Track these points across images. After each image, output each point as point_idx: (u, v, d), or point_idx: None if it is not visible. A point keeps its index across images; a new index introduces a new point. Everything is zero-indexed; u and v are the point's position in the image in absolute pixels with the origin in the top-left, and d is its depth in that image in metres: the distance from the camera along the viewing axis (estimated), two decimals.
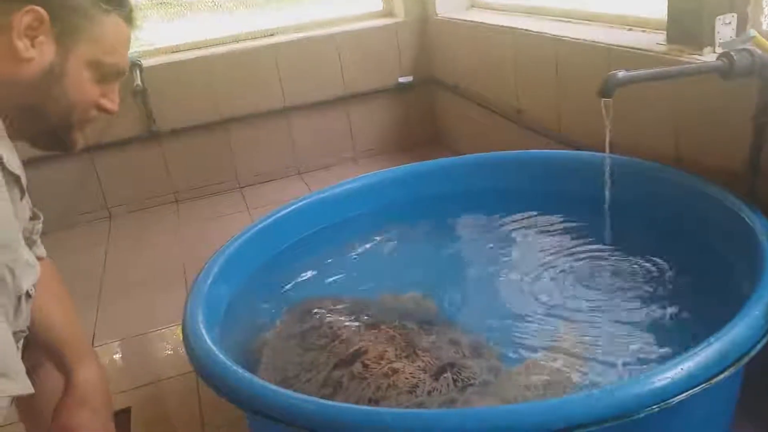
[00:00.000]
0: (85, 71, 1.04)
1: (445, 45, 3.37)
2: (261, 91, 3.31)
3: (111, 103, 1.11)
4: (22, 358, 0.94)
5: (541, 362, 1.41)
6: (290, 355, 1.40)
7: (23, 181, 1.00)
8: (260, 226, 1.79)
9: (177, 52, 3.33)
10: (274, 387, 1.12)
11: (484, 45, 2.90)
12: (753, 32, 1.48)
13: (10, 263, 0.88)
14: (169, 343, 2.18)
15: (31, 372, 0.95)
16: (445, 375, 1.28)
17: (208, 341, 1.25)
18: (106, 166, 3.19)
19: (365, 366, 1.29)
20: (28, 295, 0.99)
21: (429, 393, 1.24)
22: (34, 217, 1.15)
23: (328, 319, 1.47)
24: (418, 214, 2.08)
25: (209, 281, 1.49)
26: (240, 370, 1.16)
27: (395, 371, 1.27)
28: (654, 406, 0.96)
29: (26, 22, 0.96)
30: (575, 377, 1.35)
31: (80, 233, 3.16)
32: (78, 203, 3.21)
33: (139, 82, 3.04)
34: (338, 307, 1.53)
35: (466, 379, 1.28)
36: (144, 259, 2.85)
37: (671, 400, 0.97)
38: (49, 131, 1.07)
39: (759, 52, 1.43)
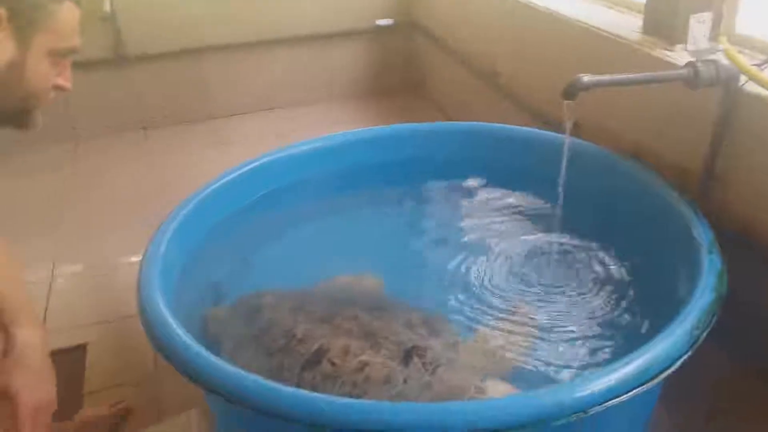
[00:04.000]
0: (44, 60, 1.07)
1: None
2: (237, 21, 3.23)
3: (66, 82, 1.14)
4: None
5: (493, 331, 1.49)
6: (253, 363, 1.36)
7: None
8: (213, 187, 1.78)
9: None
10: (222, 363, 1.16)
11: None
12: (724, 45, 1.50)
13: None
14: (130, 278, 2.18)
15: None
16: (413, 360, 1.31)
17: (166, 315, 1.28)
18: (72, 87, 3.09)
19: (333, 364, 1.29)
20: None
21: (405, 381, 1.27)
22: None
23: (277, 318, 1.46)
24: (372, 181, 2.07)
25: (163, 245, 1.50)
26: (193, 346, 1.19)
27: (365, 364, 1.29)
28: (572, 416, 1.04)
29: None
30: (525, 343, 1.44)
31: (43, 155, 3.08)
32: (43, 123, 3.12)
33: (107, 8, 2.92)
34: (282, 302, 1.52)
35: (433, 361, 1.32)
36: (108, 187, 2.83)
37: (589, 411, 1.05)
38: (7, 116, 1.08)
39: (725, 63, 1.45)
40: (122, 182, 2.86)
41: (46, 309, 2.06)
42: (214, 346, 1.32)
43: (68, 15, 1.08)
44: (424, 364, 1.32)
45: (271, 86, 3.43)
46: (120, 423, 1.63)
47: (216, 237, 1.73)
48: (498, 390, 1.25)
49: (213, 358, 1.17)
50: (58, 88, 1.13)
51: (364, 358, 1.32)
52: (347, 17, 3.38)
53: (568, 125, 1.48)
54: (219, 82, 3.35)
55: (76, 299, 2.15)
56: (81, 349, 1.90)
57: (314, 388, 1.26)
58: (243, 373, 1.14)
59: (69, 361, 1.83)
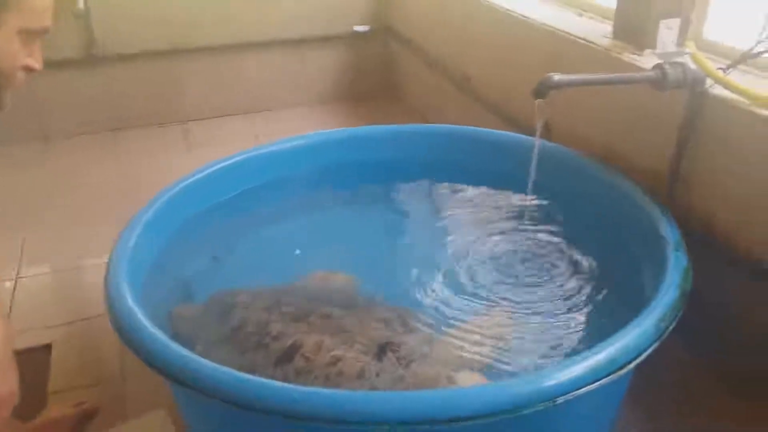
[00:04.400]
0: (15, 39, 1.06)
1: None
2: (212, 23, 3.22)
3: (36, 63, 1.13)
4: None
5: (467, 327, 1.49)
6: (226, 360, 1.31)
7: None
8: (188, 182, 1.78)
9: None
10: (193, 356, 1.15)
11: (439, 3, 2.89)
12: (691, 49, 1.54)
13: None
14: (97, 279, 2.15)
15: None
16: (387, 355, 1.32)
17: (131, 305, 1.27)
18: (43, 85, 3.04)
19: (306, 359, 1.30)
20: None
21: (377, 374, 1.28)
22: None
23: (250, 316, 1.46)
24: (347, 181, 2.09)
25: (134, 238, 1.50)
26: (160, 337, 1.19)
27: (338, 359, 1.29)
28: (539, 405, 1.04)
29: None
30: (497, 339, 1.45)
31: (13, 153, 3.04)
32: (12, 121, 3.06)
33: (81, 5, 2.89)
34: (256, 301, 1.52)
35: (407, 356, 1.33)
36: (78, 188, 2.79)
37: (557, 399, 1.06)
38: None
39: (692, 67, 1.49)
40: (92, 183, 2.81)
41: (10, 308, 2.02)
42: (185, 344, 1.30)
43: None
44: (398, 358, 1.32)
45: (247, 90, 3.42)
46: (84, 422, 1.60)
47: (187, 234, 1.73)
48: (469, 381, 1.26)
49: (181, 350, 1.16)
50: (27, 68, 1.12)
51: (337, 353, 1.32)
52: (324, 22, 3.38)
53: (539, 124, 1.50)
54: (194, 85, 3.32)
55: (42, 299, 2.11)
56: (46, 348, 1.86)
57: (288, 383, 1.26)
58: (212, 364, 1.13)
59: (33, 361, 1.80)
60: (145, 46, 3.15)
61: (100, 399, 1.66)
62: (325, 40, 3.43)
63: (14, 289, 2.12)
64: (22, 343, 1.72)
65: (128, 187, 2.72)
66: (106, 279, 1.38)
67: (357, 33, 3.44)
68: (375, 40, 3.51)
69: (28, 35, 1.08)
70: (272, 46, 3.35)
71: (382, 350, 1.34)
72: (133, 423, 1.58)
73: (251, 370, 1.28)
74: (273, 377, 1.28)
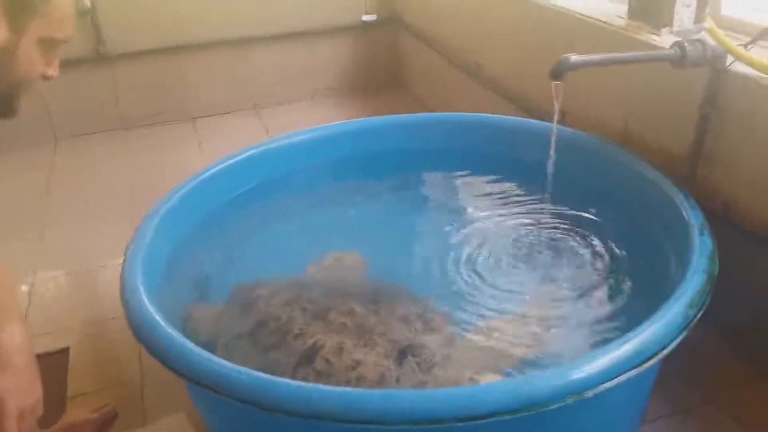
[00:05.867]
0: (36, 48, 1.05)
1: None
2: (219, 18, 3.20)
3: (53, 70, 1.12)
4: None
5: (490, 325, 1.47)
6: (249, 358, 1.34)
7: None
8: (201, 177, 1.77)
9: None
10: (210, 356, 1.14)
11: None
12: (709, 24, 1.49)
13: None
14: (112, 280, 2.14)
15: None
16: (408, 359, 1.30)
17: (149, 307, 1.26)
18: (50, 86, 3.02)
19: (327, 361, 1.28)
20: None
21: (397, 380, 1.27)
22: None
23: (272, 311, 1.44)
24: (360, 172, 2.07)
25: (147, 238, 1.48)
26: (178, 339, 1.17)
27: (358, 363, 1.28)
28: (568, 398, 1.01)
29: None
30: (522, 336, 1.42)
31: (23, 155, 3.03)
32: (21, 123, 3.05)
33: (87, 3, 2.88)
34: (276, 295, 1.50)
35: (428, 360, 1.31)
36: (89, 188, 2.79)
37: (585, 393, 1.03)
38: None
39: (711, 43, 1.45)
40: (104, 183, 2.81)
41: (26, 313, 2.02)
42: (205, 344, 1.29)
43: (62, 3, 1.06)
44: (418, 363, 1.31)
45: (255, 84, 3.40)
46: (104, 426, 1.59)
47: (202, 228, 1.72)
48: (492, 381, 1.23)
49: (199, 350, 1.15)
50: (44, 77, 1.12)
51: (357, 356, 1.30)
52: (330, 13, 3.35)
53: (557, 106, 1.46)
54: (202, 81, 3.31)
55: (58, 303, 2.11)
56: (63, 353, 1.86)
57: None
58: (230, 364, 1.11)
59: (51, 365, 1.79)
60: (152, 43, 3.14)
61: (119, 402, 1.64)
62: (332, 31, 3.40)
63: (30, 292, 2.12)
64: (40, 347, 1.71)
65: (140, 186, 2.71)
66: (121, 279, 1.37)
67: (365, 23, 3.40)
68: (383, 31, 3.48)
69: (49, 44, 1.07)
70: (279, 39, 3.33)
71: (402, 354, 1.32)
72: (154, 426, 1.57)
73: (273, 370, 1.27)
74: (294, 377, 1.27)
